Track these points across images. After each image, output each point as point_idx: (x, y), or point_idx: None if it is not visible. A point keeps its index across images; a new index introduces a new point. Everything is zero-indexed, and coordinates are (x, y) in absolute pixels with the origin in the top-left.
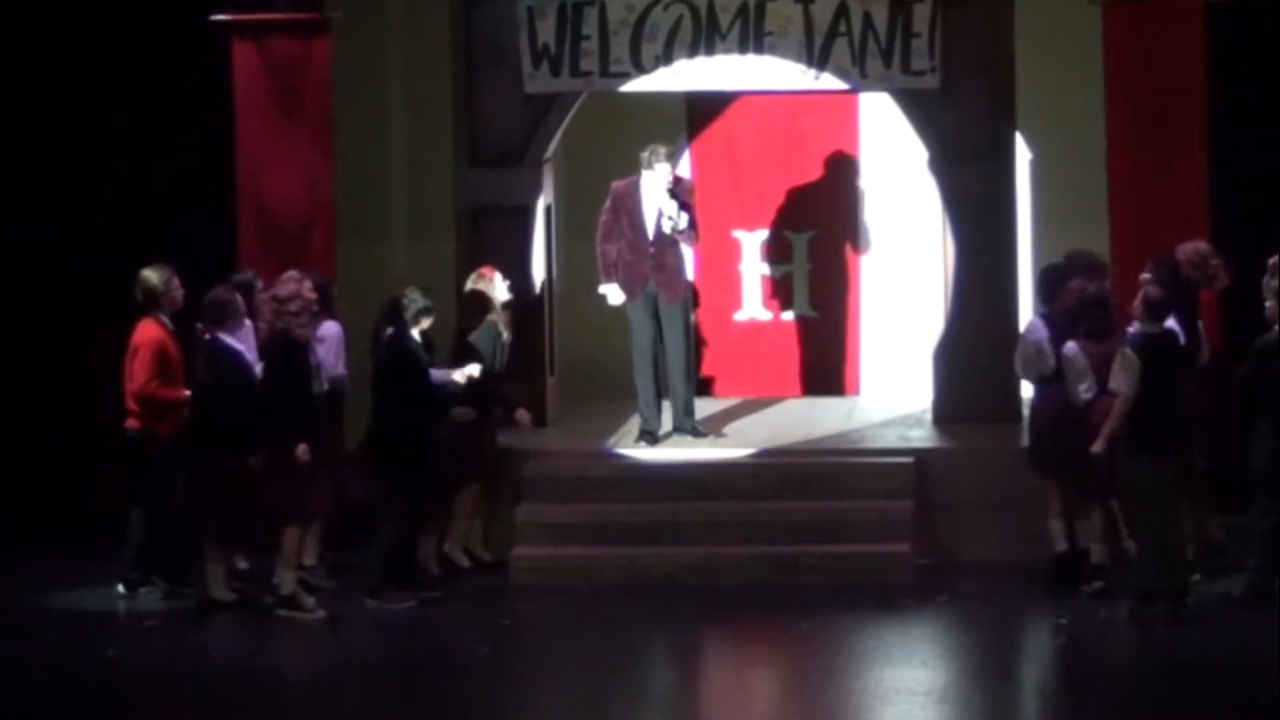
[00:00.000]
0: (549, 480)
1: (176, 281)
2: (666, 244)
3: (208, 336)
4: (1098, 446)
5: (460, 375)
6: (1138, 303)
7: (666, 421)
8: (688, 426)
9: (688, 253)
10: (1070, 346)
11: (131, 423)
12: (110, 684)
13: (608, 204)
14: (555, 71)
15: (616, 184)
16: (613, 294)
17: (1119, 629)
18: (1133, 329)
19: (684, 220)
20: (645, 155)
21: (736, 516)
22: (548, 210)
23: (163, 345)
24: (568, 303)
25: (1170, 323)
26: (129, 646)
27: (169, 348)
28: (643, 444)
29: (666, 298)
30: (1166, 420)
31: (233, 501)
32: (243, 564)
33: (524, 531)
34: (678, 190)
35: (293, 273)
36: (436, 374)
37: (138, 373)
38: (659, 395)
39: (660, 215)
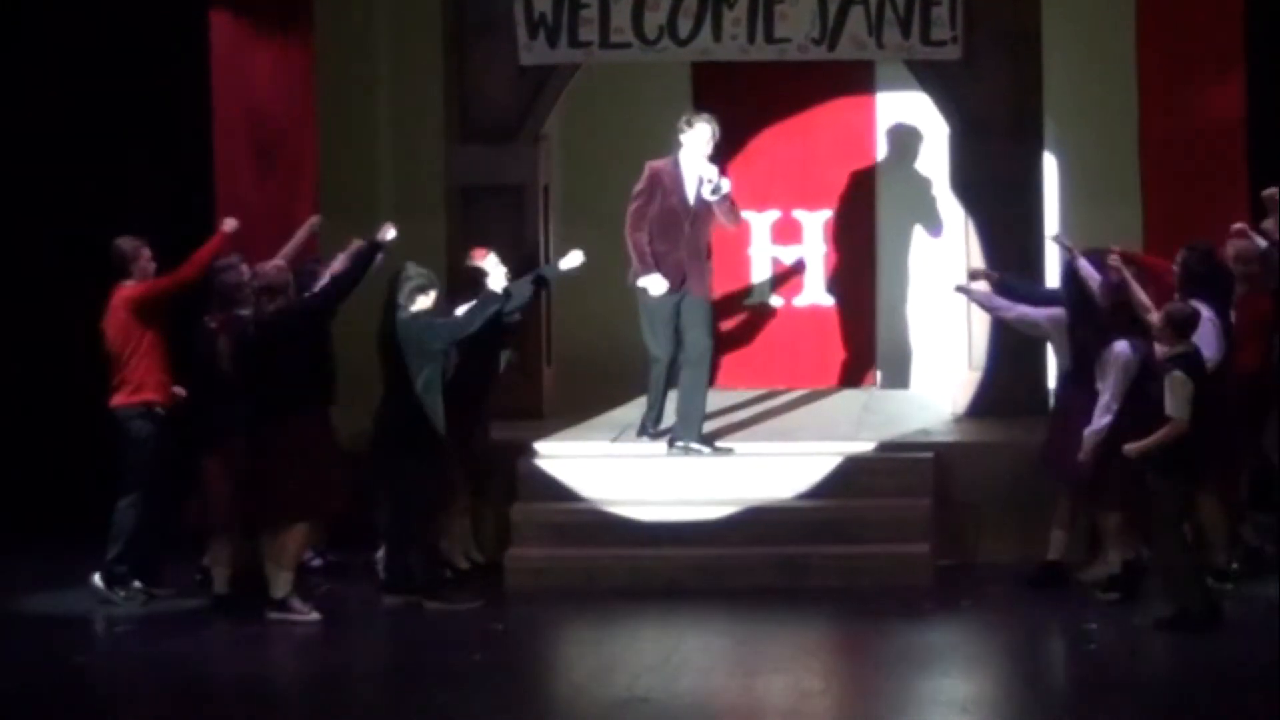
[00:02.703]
0: (545, 477)
1: (149, 252)
2: (702, 224)
3: (213, 325)
4: (1130, 449)
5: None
6: (1162, 323)
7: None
8: (694, 446)
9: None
10: (1122, 346)
11: (118, 399)
12: (81, 692)
13: (641, 186)
14: (552, 42)
15: (652, 163)
16: (654, 284)
17: (1149, 636)
18: (1160, 352)
19: (726, 184)
20: (683, 119)
21: (744, 516)
22: (544, 189)
23: (140, 301)
24: (566, 289)
25: (1203, 308)
26: (101, 653)
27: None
28: (644, 438)
29: (697, 290)
30: (1196, 444)
31: (252, 488)
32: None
33: (519, 531)
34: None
35: (279, 262)
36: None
37: (115, 341)
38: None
39: (701, 182)
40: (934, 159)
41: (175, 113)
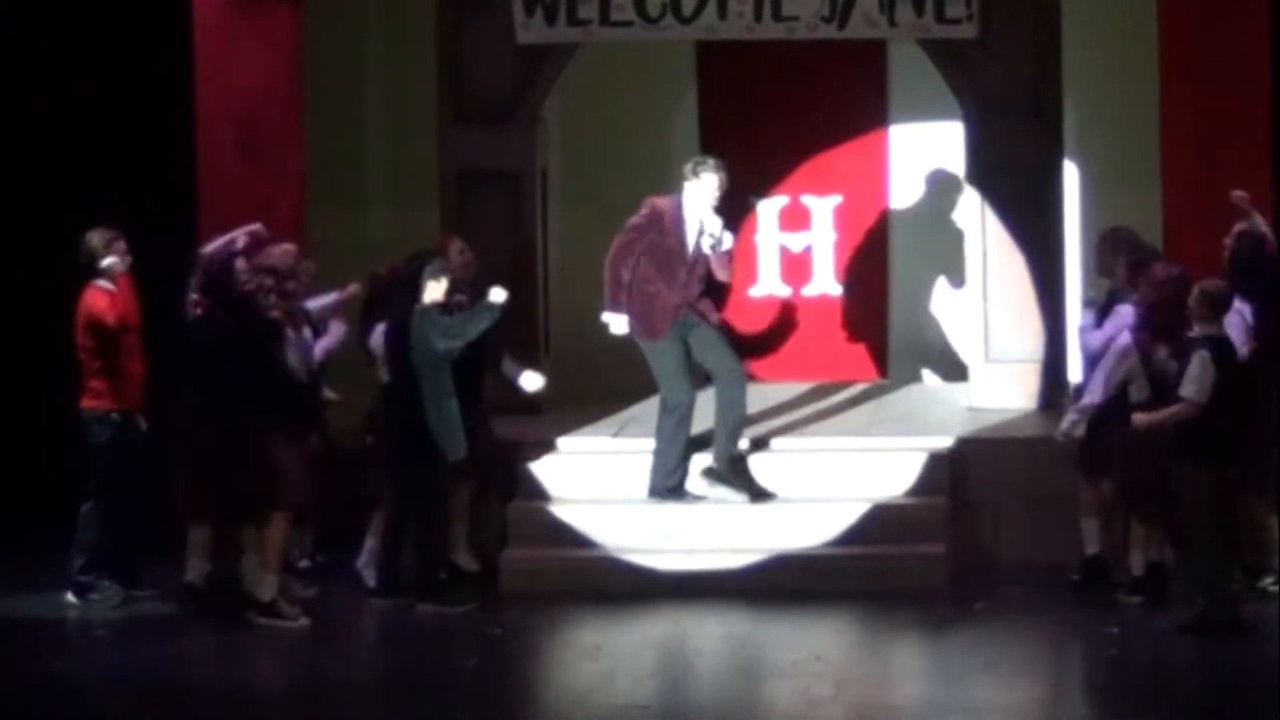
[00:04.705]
0: (544, 474)
1: (123, 245)
2: (699, 271)
3: (200, 310)
4: (1139, 420)
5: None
6: (1195, 301)
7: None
8: (739, 481)
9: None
10: (1124, 339)
11: (84, 400)
12: (60, 699)
13: (638, 220)
14: (550, 20)
15: (655, 199)
16: (616, 323)
17: (1174, 641)
18: (1193, 332)
19: (728, 239)
20: (689, 166)
21: (751, 515)
22: (542, 174)
23: (102, 314)
24: (564, 277)
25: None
26: (79, 658)
27: (114, 312)
28: (655, 500)
29: (704, 318)
30: (1226, 429)
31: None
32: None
33: (516, 531)
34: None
35: (288, 246)
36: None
37: (82, 344)
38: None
39: (701, 232)
40: (949, 142)
41: (156, 96)
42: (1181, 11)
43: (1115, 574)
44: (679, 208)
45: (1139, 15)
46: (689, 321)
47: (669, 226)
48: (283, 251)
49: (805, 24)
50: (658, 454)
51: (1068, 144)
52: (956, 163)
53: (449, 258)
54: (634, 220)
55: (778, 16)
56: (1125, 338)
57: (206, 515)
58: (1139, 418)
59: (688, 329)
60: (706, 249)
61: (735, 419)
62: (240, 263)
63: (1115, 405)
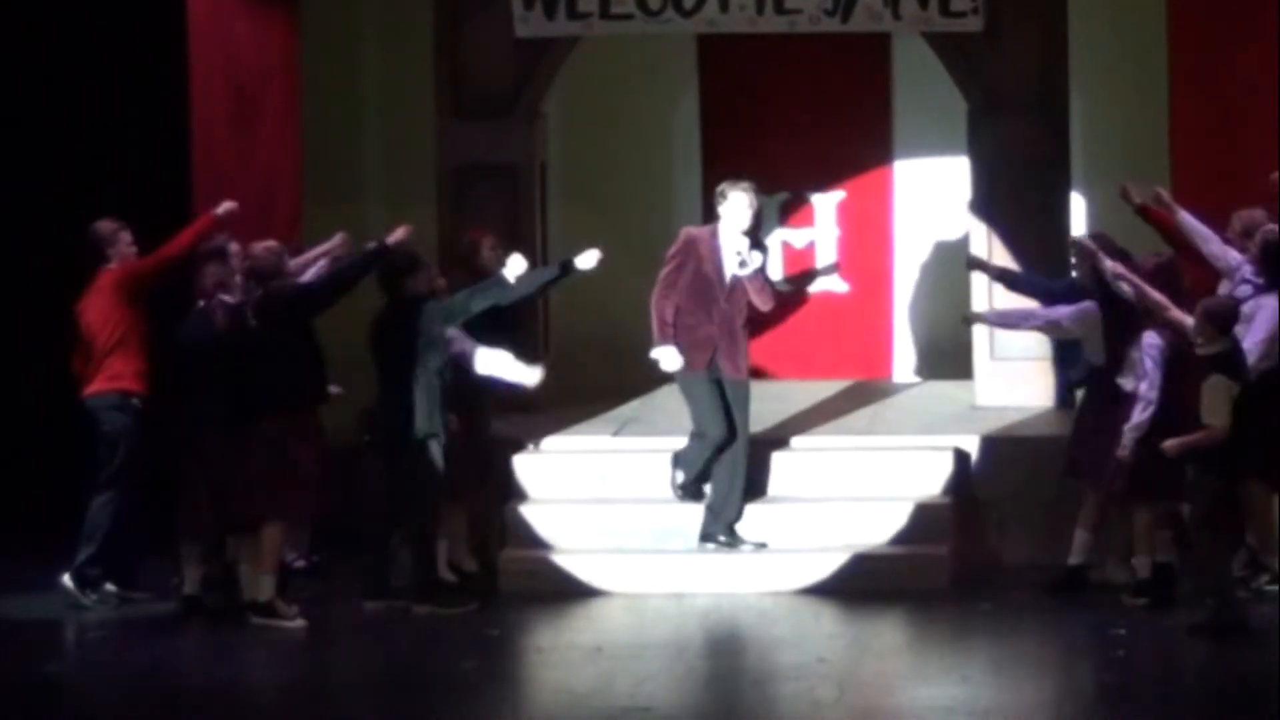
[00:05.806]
0: (543, 473)
1: (128, 235)
2: (739, 299)
3: (202, 303)
4: (1169, 446)
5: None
6: (1199, 319)
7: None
8: (726, 540)
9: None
10: (1151, 336)
11: (98, 385)
12: (53, 703)
13: (675, 250)
14: (549, 13)
15: (689, 229)
16: (667, 358)
17: (1182, 643)
18: (1198, 349)
19: (757, 259)
20: (717, 193)
21: (753, 515)
22: (541, 169)
23: (118, 287)
24: None
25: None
26: (75, 659)
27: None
28: (685, 499)
29: (731, 370)
30: (1243, 437)
31: (228, 487)
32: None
33: (515, 532)
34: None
35: (270, 244)
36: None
37: (95, 325)
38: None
39: (738, 257)
40: (954, 137)
41: (151, 88)
42: (1190, 3)
43: (1091, 585)
44: (714, 235)
45: (1147, 7)
46: (721, 370)
47: (704, 254)
48: (264, 249)
49: (808, 17)
50: (721, 498)
51: (1074, 138)
52: (962, 158)
53: (481, 254)
54: (670, 252)
55: (780, 10)
56: (1155, 339)
57: (198, 534)
58: (1169, 445)
59: (723, 376)
60: (736, 269)
61: (735, 495)
62: (233, 262)
63: (1110, 416)
